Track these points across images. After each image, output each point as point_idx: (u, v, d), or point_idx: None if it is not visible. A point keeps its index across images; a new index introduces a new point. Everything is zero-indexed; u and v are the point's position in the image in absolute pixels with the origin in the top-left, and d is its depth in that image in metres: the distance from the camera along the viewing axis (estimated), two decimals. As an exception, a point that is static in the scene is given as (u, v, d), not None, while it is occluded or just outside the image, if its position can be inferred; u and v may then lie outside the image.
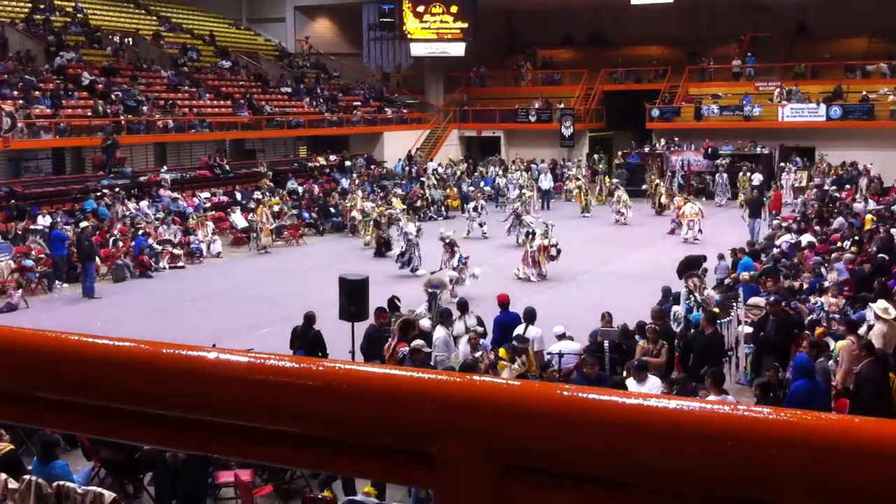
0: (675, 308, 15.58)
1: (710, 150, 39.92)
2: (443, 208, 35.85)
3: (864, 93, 39.45)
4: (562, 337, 13.77)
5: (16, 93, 29.59)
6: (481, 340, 13.27)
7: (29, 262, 22.29)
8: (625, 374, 12.21)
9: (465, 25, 45.70)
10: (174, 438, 1.08)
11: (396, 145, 42.37)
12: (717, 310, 14.75)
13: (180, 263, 25.63)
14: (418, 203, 35.11)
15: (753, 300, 15.86)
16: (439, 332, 13.55)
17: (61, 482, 7.67)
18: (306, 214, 31.65)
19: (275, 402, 0.98)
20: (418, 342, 12.35)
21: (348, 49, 50.37)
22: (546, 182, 37.76)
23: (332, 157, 39.68)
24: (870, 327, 12.76)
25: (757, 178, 35.73)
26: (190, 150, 36.15)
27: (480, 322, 14.30)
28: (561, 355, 13.29)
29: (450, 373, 0.98)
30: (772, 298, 14.82)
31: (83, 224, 23.45)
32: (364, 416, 0.94)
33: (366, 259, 25.59)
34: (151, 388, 1.03)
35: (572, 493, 0.90)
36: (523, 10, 48.63)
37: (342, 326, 14.21)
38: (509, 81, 49.65)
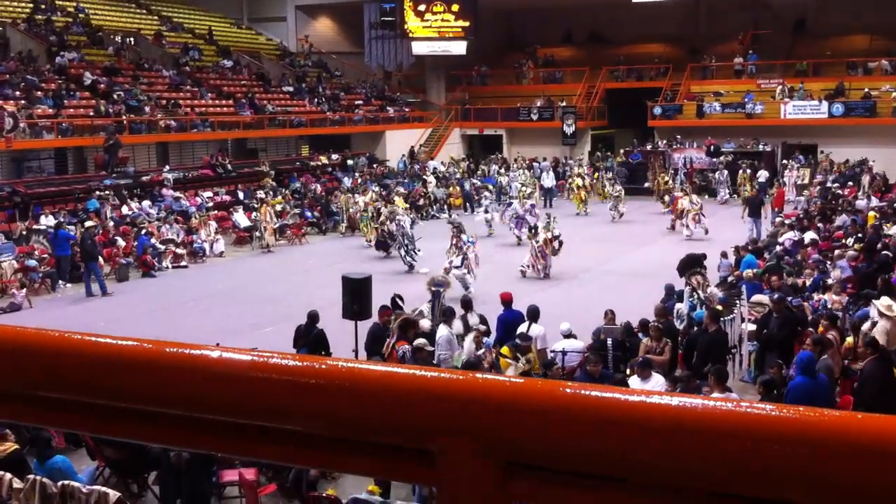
0: (678, 306, 15.57)
1: (712, 147, 39.90)
2: (445, 207, 35.84)
3: (866, 90, 39.42)
4: (568, 335, 13.76)
5: (18, 93, 29.62)
6: (484, 339, 13.26)
7: (32, 262, 22.31)
8: (628, 371, 12.20)
9: (467, 24, 45.70)
10: (178, 437, 1.09)
11: (398, 144, 42.38)
12: (720, 307, 14.73)
13: (183, 263, 25.65)
14: (421, 202, 35.12)
15: (757, 298, 15.84)
16: (442, 331, 13.55)
17: (66, 482, 7.68)
18: (309, 213, 31.66)
19: (278, 401, 0.98)
20: (420, 341, 12.35)
21: (349, 48, 50.39)
22: (548, 180, 37.75)
23: (335, 156, 39.68)
24: (873, 324, 12.74)
25: (763, 174, 35.77)
26: (192, 150, 36.17)
27: (484, 321, 14.29)
28: (564, 353, 13.29)
29: (452, 371, 0.98)
30: (775, 296, 14.82)
31: (88, 224, 23.49)
32: (366, 414, 0.94)
33: (368, 258, 25.58)
34: (155, 387, 1.03)
35: (574, 490, 0.90)
36: (524, 8, 48.62)
37: (345, 325, 14.21)
38: (511, 80, 49.64)
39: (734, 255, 20.50)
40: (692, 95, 43.58)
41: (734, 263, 19.91)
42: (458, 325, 14.03)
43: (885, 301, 12.83)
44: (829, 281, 16.90)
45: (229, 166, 34.76)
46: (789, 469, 0.82)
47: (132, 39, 39.97)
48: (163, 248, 25.35)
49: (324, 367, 0.97)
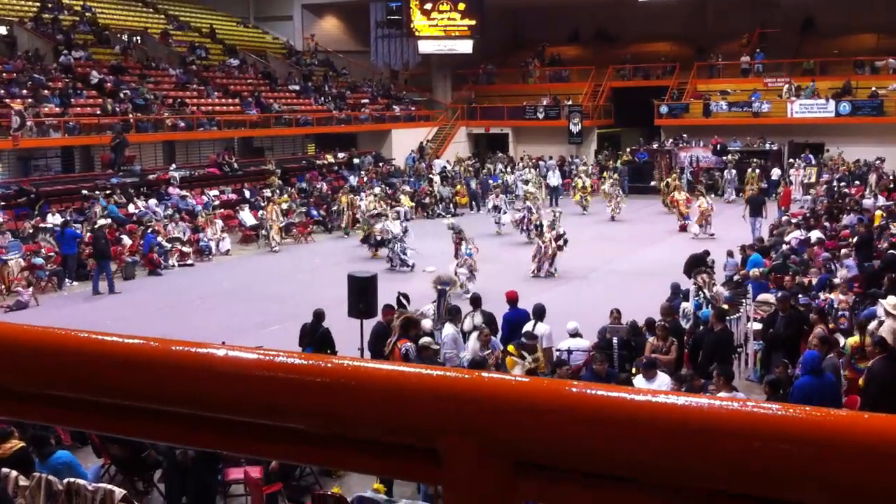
0: (684, 305, 15.55)
1: (718, 146, 39.84)
2: (451, 205, 35.84)
3: (874, 88, 39.33)
4: (574, 334, 13.75)
5: (25, 91, 29.68)
6: (492, 338, 13.24)
7: (39, 260, 22.36)
8: (633, 371, 12.19)
9: (473, 23, 45.70)
10: (184, 435, 1.09)
11: (404, 143, 42.39)
12: (726, 306, 14.71)
13: (189, 261, 25.69)
14: (426, 200, 35.14)
15: (763, 297, 15.82)
16: (448, 330, 13.55)
17: (72, 479, 7.69)
18: (315, 212, 31.67)
19: (284, 399, 0.98)
20: (426, 339, 12.35)
21: (356, 47, 50.41)
22: (554, 179, 37.74)
23: (341, 155, 39.69)
24: (880, 323, 12.71)
25: (776, 172, 35.75)
26: (199, 149, 36.25)
27: (492, 320, 14.23)
28: (570, 352, 13.29)
29: (458, 369, 0.98)
30: (780, 294, 14.80)
31: (101, 222, 23.55)
32: (373, 412, 0.94)
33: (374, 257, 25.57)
34: (161, 385, 1.03)
35: (581, 489, 0.90)
36: (530, 6, 48.57)
37: (351, 324, 14.23)
38: (517, 79, 49.61)
39: (740, 253, 20.48)
40: (699, 94, 43.52)
41: (740, 262, 19.89)
42: (468, 322, 14.02)
43: (892, 300, 12.78)
44: (836, 280, 16.87)
45: (235, 165, 34.80)
46: (796, 469, 0.82)
47: (139, 38, 40.05)
48: (169, 246, 25.40)
49: (330, 365, 0.97)
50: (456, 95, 49.18)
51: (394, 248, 23.74)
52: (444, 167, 40.12)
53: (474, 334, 13.30)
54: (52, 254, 23.11)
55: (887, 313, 12.55)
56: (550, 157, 42.11)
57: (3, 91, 29.09)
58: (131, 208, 27.91)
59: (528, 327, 13.38)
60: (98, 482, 8.43)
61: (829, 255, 19.24)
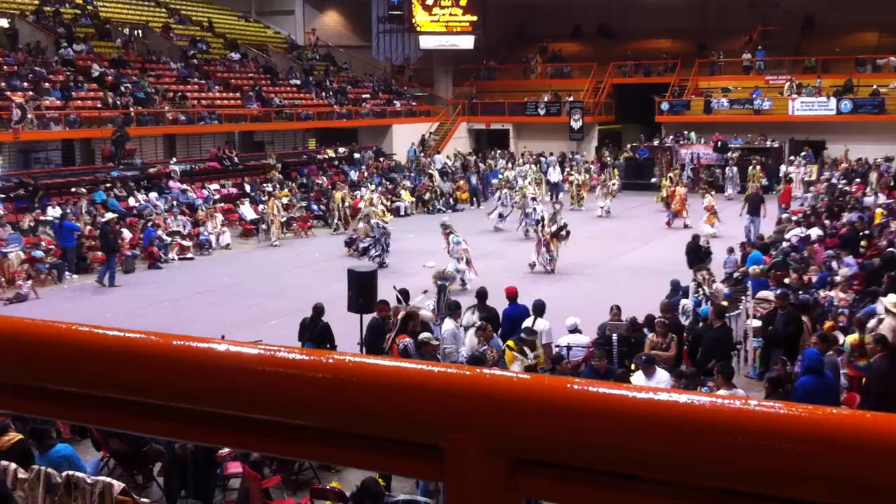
0: (683, 301, 15.56)
1: (719, 143, 39.83)
2: (451, 200, 35.83)
3: (875, 86, 39.31)
4: (573, 330, 13.76)
5: (26, 84, 29.65)
6: (494, 335, 13.21)
7: (39, 253, 22.37)
8: (633, 367, 12.20)
9: (475, 18, 45.68)
10: (184, 430, 1.09)
11: (405, 138, 42.38)
12: (725, 303, 14.72)
13: (189, 255, 25.70)
14: (427, 196, 35.13)
15: (762, 294, 15.83)
16: (448, 325, 13.56)
17: (71, 472, 7.70)
18: (315, 207, 31.66)
19: (284, 394, 0.98)
20: (426, 335, 12.35)
21: (357, 42, 50.40)
22: (555, 175, 37.71)
23: (341, 150, 39.68)
24: (879, 321, 12.72)
25: (784, 169, 35.78)
26: (199, 142, 36.25)
27: (495, 316, 14.19)
28: (569, 348, 13.30)
29: (459, 366, 0.98)
30: (779, 292, 14.81)
31: (108, 216, 23.56)
32: (373, 408, 0.94)
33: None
34: (161, 380, 1.03)
35: (582, 486, 0.90)
36: (532, 2, 48.51)
37: (350, 319, 14.23)
38: (518, 74, 49.58)
39: (740, 250, 20.50)
40: (700, 91, 43.51)
41: (740, 259, 19.90)
42: (469, 317, 14.01)
43: (892, 298, 12.79)
44: (836, 278, 16.88)
45: (236, 159, 34.79)
46: (796, 467, 0.82)
47: (140, 32, 40.01)
48: (169, 240, 25.40)
49: (331, 360, 0.97)
50: (457, 91, 49.15)
51: (376, 247, 23.56)
52: (445, 163, 40.07)
53: (471, 330, 13.29)
54: (51, 247, 23.12)
55: (887, 311, 12.56)
56: (551, 154, 42.10)
57: (4, 84, 29.06)
58: (132, 201, 27.92)
59: (527, 323, 13.38)
60: (97, 475, 8.44)
61: (832, 252, 19.24)
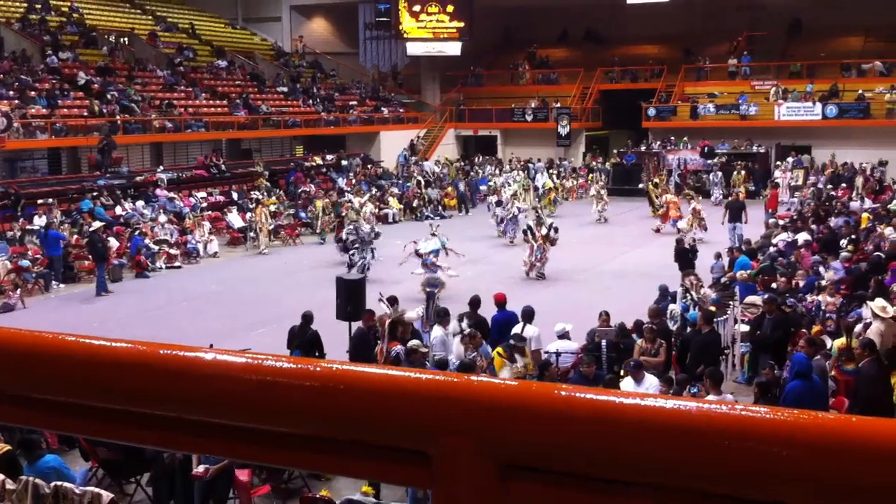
0: (671, 307, 15.58)
1: (706, 148, 39.97)
2: (439, 207, 35.83)
3: (860, 91, 39.51)
4: (562, 335, 13.76)
5: (11, 92, 29.54)
6: (483, 343, 13.19)
7: (26, 263, 22.27)
8: (622, 373, 12.21)
9: (461, 25, 45.73)
10: (172, 439, 1.08)
11: (393, 145, 42.37)
12: (713, 308, 14.75)
13: (177, 263, 25.62)
14: (415, 203, 35.12)
15: (750, 299, 15.88)
16: (437, 332, 13.55)
17: (59, 482, 7.66)
18: (303, 214, 31.61)
19: (273, 403, 0.97)
20: (415, 342, 12.34)
21: (344, 48, 50.39)
22: (542, 181, 37.69)
23: (329, 157, 39.64)
24: (866, 325, 12.77)
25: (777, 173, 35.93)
26: (186, 150, 36.16)
27: (484, 324, 14.15)
28: (558, 354, 13.30)
29: (448, 373, 0.98)
30: (766, 297, 14.85)
31: (95, 224, 23.47)
32: (362, 416, 0.94)
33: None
34: (149, 389, 1.03)
35: (573, 491, 0.90)
36: (518, 7, 48.57)
37: (338, 326, 14.21)
38: (506, 81, 49.63)
39: (728, 255, 20.56)
40: (686, 97, 43.67)
41: (727, 264, 19.96)
42: (452, 325, 13.98)
43: (879, 302, 12.86)
44: (823, 282, 16.95)
45: (223, 167, 34.72)
46: (786, 471, 0.82)
47: (126, 39, 39.93)
48: (156, 248, 25.32)
49: (320, 369, 0.97)
50: (445, 97, 49.18)
51: (361, 252, 23.34)
52: (434, 170, 40.03)
53: (457, 337, 13.23)
54: (38, 256, 23.02)
55: (874, 315, 12.61)
56: (539, 160, 42.17)
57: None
58: (119, 210, 27.82)
59: (517, 330, 13.37)
60: (86, 485, 8.39)
61: (819, 258, 19.33)
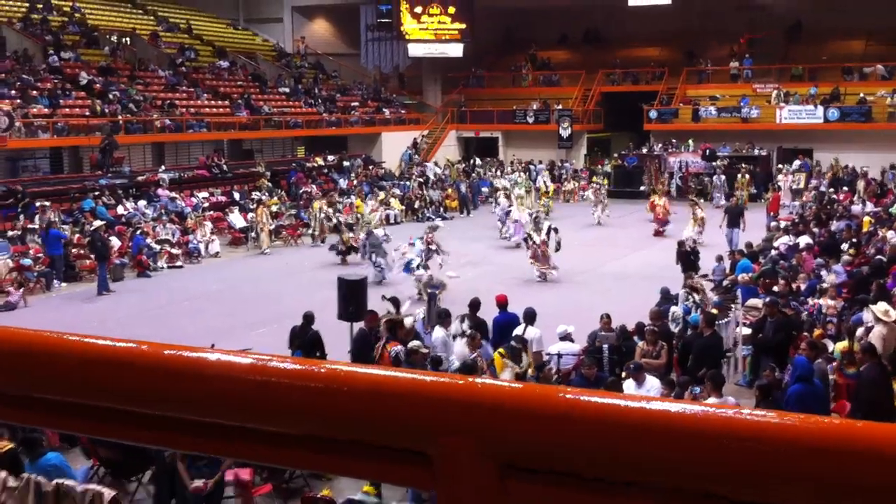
0: (673, 309, 15.58)
1: (707, 151, 39.94)
2: (441, 208, 35.84)
3: (862, 94, 39.50)
4: (564, 337, 13.75)
5: (13, 92, 29.56)
6: (483, 343, 13.19)
7: (27, 262, 22.28)
8: (623, 375, 12.21)
9: (463, 26, 45.74)
10: (174, 439, 1.08)
11: (394, 146, 42.39)
12: (715, 311, 14.75)
13: (178, 263, 25.63)
14: (416, 204, 35.12)
15: (752, 302, 15.87)
16: (438, 333, 13.55)
17: (60, 480, 7.66)
18: (304, 214, 31.61)
19: (275, 403, 0.98)
20: (415, 343, 12.34)
21: (346, 49, 50.42)
22: (543, 182, 37.74)
23: (331, 158, 39.66)
24: (868, 329, 12.76)
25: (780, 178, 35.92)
26: (188, 150, 36.18)
27: (484, 326, 14.14)
28: (560, 356, 13.29)
29: (450, 374, 0.98)
30: (768, 299, 14.85)
31: (96, 223, 23.49)
32: (365, 417, 0.94)
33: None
34: (152, 389, 1.03)
35: (572, 492, 0.90)
36: (520, 9, 48.56)
37: (339, 327, 14.21)
38: (507, 82, 49.63)
39: (729, 258, 20.56)
40: (688, 99, 43.65)
41: (729, 268, 19.95)
42: (454, 326, 13.96)
43: (881, 306, 12.84)
44: (824, 285, 16.94)
45: (225, 167, 34.74)
46: (787, 474, 0.82)
47: (128, 39, 39.94)
48: (158, 248, 25.33)
49: (323, 370, 0.97)
50: (446, 99, 49.18)
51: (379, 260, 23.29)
52: (436, 171, 40.02)
53: (461, 339, 13.23)
54: (40, 255, 23.03)
55: (876, 319, 12.60)
56: (540, 162, 42.17)
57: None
58: (120, 210, 27.83)
59: (518, 331, 13.37)
60: (87, 483, 8.40)
61: (822, 261, 19.31)
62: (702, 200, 30.64)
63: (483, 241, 28.30)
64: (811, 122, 39.27)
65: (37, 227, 24.38)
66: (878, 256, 18.77)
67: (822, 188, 33.66)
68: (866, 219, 25.11)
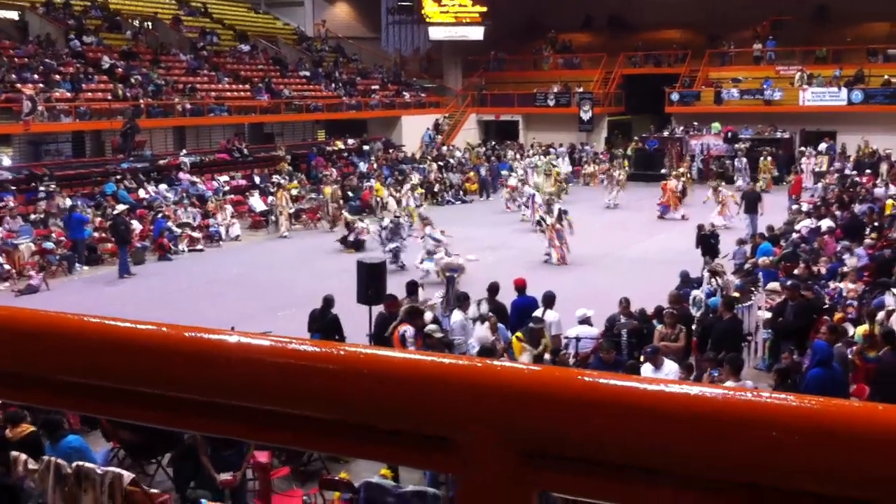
0: (694, 292, 15.52)
1: (729, 134, 39.67)
2: (460, 192, 35.80)
3: (886, 76, 39.10)
4: (584, 321, 13.73)
5: (36, 77, 29.70)
6: (500, 325, 13.21)
7: (49, 245, 22.44)
8: (641, 358, 12.18)
9: (484, 9, 45.58)
10: (196, 422, 1.09)
11: (414, 129, 42.35)
12: (737, 294, 14.68)
13: (199, 247, 25.75)
14: (436, 187, 35.09)
15: (772, 285, 15.79)
16: (456, 316, 13.55)
17: (80, 462, 7.73)
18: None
19: (296, 386, 0.98)
20: (431, 326, 12.36)
21: (367, 33, 50.34)
22: (564, 166, 37.63)
23: (351, 141, 39.67)
24: (889, 313, 12.68)
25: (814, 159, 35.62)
26: (209, 134, 36.29)
27: (503, 310, 14.15)
28: (578, 340, 13.28)
29: (470, 358, 0.98)
30: (789, 283, 14.77)
31: (119, 207, 23.63)
32: (385, 400, 0.94)
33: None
34: (173, 372, 1.03)
35: (592, 477, 0.90)
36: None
37: (359, 311, 14.22)
38: (528, 66, 49.42)
39: (750, 242, 20.46)
40: (710, 82, 43.34)
41: (750, 251, 19.85)
42: (472, 310, 13.97)
43: (903, 290, 12.75)
44: (844, 268, 16.84)
45: (245, 151, 34.82)
46: (806, 459, 0.82)
47: (150, 24, 40.04)
48: (179, 231, 25.45)
49: (343, 352, 0.97)
50: (466, 82, 49.04)
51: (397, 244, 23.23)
52: (456, 155, 39.96)
53: (483, 323, 13.23)
54: (62, 238, 23.19)
55: (898, 303, 12.51)
56: (560, 145, 42.02)
57: (14, 76, 29.10)
58: (142, 193, 27.97)
59: (537, 314, 13.36)
60: (107, 466, 8.47)
61: (846, 243, 19.16)
62: (723, 183, 30.38)
63: (502, 225, 28.27)
64: (834, 105, 38.92)
65: (56, 211, 24.54)
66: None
67: (847, 171, 33.34)
68: (889, 202, 24.88)
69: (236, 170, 33.57)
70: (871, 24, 43.17)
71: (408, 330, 12.29)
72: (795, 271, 16.66)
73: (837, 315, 14.10)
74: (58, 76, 30.48)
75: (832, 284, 16.26)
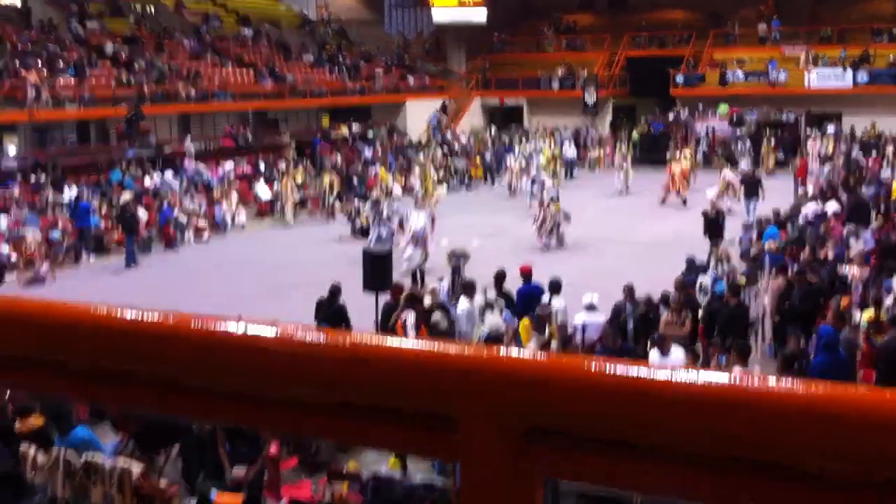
0: (701, 278, 15.48)
1: (734, 116, 39.50)
2: (465, 177, 35.74)
3: (892, 56, 38.89)
4: (590, 308, 13.69)
5: (40, 63, 29.58)
6: (506, 310, 13.23)
7: (56, 234, 22.46)
8: (648, 345, 12.18)
9: (487, -8, 45.41)
10: (203, 410, 1.09)
11: (419, 115, 42.23)
12: (743, 279, 14.66)
13: (205, 237, 25.73)
14: (441, 173, 35.02)
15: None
16: (463, 304, 13.53)
17: (89, 454, 7.77)
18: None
19: (302, 374, 0.98)
20: (436, 316, 12.39)
21: (369, 16, 50.21)
22: (570, 151, 37.51)
23: (355, 127, 39.60)
24: (896, 297, 12.66)
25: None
26: (213, 121, 36.23)
27: (510, 298, 14.15)
28: (584, 327, 13.26)
29: (476, 345, 0.98)
30: (795, 267, 14.75)
31: (125, 196, 23.64)
32: (390, 388, 0.95)
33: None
34: (180, 360, 1.04)
35: (598, 461, 0.90)
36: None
37: (365, 300, 14.23)
38: (531, 47, 49.13)
39: (756, 227, 20.41)
40: (715, 63, 43.13)
41: (755, 236, 19.81)
42: (478, 297, 13.96)
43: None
44: (851, 253, 16.79)
45: (250, 137, 34.76)
46: (810, 440, 0.82)
47: (152, 8, 39.90)
48: (185, 219, 25.44)
49: (348, 340, 0.97)
50: (470, 65, 48.86)
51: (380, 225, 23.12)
52: (461, 140, 39.87)
53: (489, 311, 13.22)
54: (69, 228, 23.22)
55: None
56: (565, 128, 41.88)
57: (18, 63, 29.02)
58: (147, 181, 27.96)
59: (544, 301, 13.36)
60: (116, 457, 8.51)
61: (852, 227, 19.08)
62: (729, 166, 30.22)
63: (508, 211, 28.24)
64: (840, 87, 38.70)
65: (65, 200, 24.54)
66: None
67: (854, 154, 33.17)
68: (895, 185, 24.81)
69: (241, 156, 33.51)
70: (876, 3, 42.93)
71: (409, 317, 12.33)
72: (801, 255, 16.63)
73: (844, 299, 14.06)
74: (61, 62, 30.38)
75: (839, 268, 16.20)
